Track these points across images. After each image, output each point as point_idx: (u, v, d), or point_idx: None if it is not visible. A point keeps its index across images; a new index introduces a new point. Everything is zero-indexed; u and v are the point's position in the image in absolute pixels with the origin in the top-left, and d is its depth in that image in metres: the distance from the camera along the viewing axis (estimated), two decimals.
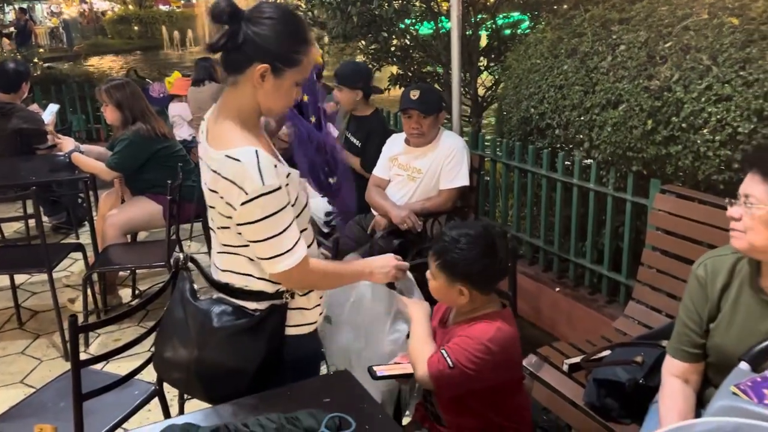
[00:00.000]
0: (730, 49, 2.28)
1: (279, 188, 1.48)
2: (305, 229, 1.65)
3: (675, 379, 1.64)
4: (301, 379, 1.60)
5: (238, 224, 1.52)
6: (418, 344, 1.73)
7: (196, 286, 1.71)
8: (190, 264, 1.76)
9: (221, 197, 1.52)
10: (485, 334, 1.65)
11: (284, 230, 1.51)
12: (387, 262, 1.79)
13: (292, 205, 1.55)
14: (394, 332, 2.03)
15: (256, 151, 1.48)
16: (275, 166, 1.50)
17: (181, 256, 1.76)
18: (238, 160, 1.47)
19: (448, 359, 1.63)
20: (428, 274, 1.76)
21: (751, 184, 1.43)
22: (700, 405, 1.61)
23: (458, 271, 1.68)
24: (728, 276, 1.56)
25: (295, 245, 1.53)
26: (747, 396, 1.13)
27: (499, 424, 1.74)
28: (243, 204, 1.46)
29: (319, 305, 1.72)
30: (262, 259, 1.55)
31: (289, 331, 1.65)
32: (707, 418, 0.92)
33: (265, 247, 1.52)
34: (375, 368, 1.74)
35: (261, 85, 1.50)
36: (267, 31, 1.47)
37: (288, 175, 1.56)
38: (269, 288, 1.61)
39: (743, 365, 1.24)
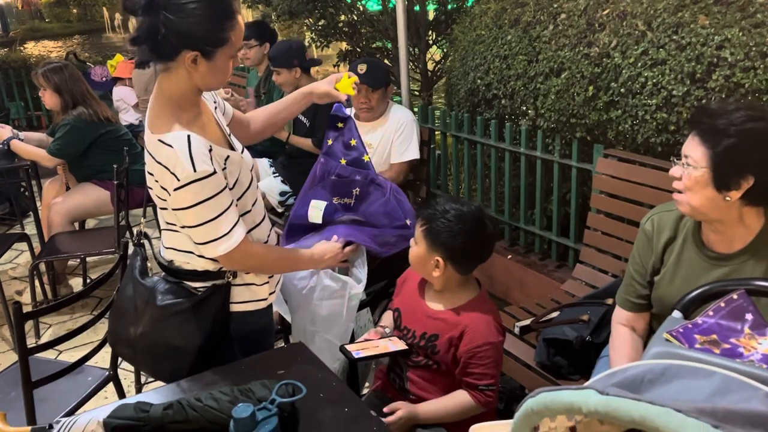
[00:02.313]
0: (663, 14, 2.35)
1: (213, 173, 1.47)
2: (248, 211, 1.64)
3: (623, 327, 1.72)
4: (251, 354, 1.61)
5: (173, 209, 1.52)
6: (448, 412, 1.66)
7: (149, 264, 1.71)
8: (144, 241, 1.76)
9: (156, 180, 1.52)
10: (492, 334, 1.64)
11: (220, 215, 1.50)
12: (330, 248, 1.81)
13: (231, 188, 1.54)
14: (347, 321, 2.04)
15: (189, 136, 1.46)
16: (210, 149, 1.49)
17: (135, 230, 1.76)
18: (170, 146, 1.46)
19: (488, 390, 1.63)
20: (411, 240, 1.73)
21: (690, 146, 1.48)
22: None
23: (440, 241, 1.64)
24: (673, 231, 1.63)
25: (232, 229, 1.53)
26: (679, 342, 1.19)
27: None
28: (176, 190, 1.46)
29: (268, 282, 1.72)
30: (198, 243, 1.55)
31: (237, 308, 1.66)
32: (639, 362, 0.97)
33: (200, 231, 1.51)
34: (348, 347, 1.68)
35: (195, 69, 1.48)
36: (188, 17, 1.41)
37: (227, 158, 1.55)
38: (211, 266, 1.62)
39: (676, 313, 1.30)
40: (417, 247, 1.70)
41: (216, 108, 1.70)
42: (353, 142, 2.24)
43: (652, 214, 1.68)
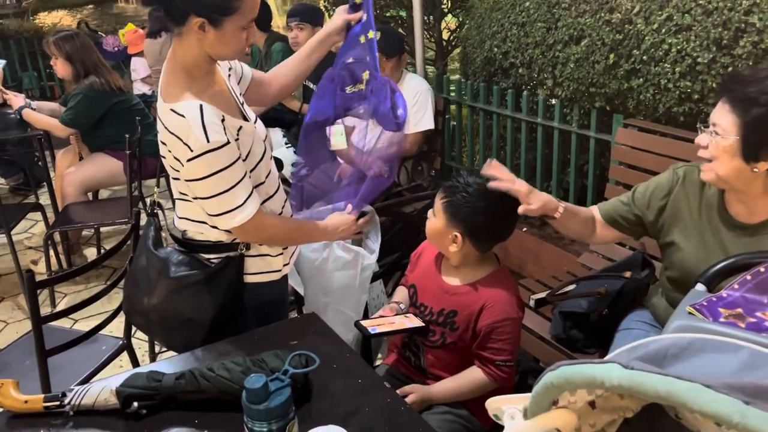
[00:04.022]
0: None
1: (226, 144, 1.44)
2: (262, 183, 1.61)
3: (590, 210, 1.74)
4: (265, 325, 1.60)
5: (186, 180, 1.50)
6: (462, 391, 1.63)
7: (163, 234, 1.70)
8: (158, 211, 1.75)
9: (169, 150, 1.49)
10: (513, 310, 1.60)
11: (233, 186, 1.47)
12: (344, 220, 1.78)
13: (244, 160, 1.51)
14: (360, 292, 2.02)
15: (201, 105, 1.43)
16: (222, 119, 1.46)
17: (149, 200, 1.74)
18: (182, 116, 1.43)
19: (504, 366, 1.59)
20: (430, 212, 1.67)
21: (719, 113, 1.42)
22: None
23: (460, 217, 1.57)
24: (697, 195, 1.57)
25: (246, 200, 1.50)
26: (702, 315, 1.16)
27: None
28: (189, 161, 1.44)
29: (282, 254, 1.70)
30: (212, 215, 1.53)
31: (251, 279, 1.64)
32: (662, 336, 0.94)
33: (213, 203, 1.49)
34: (364, 323, 1.64)
35: (203, 36, 1.43)
36: None
37: (239, 129, 1.51)
38: (224, 237, 1.60)
39: (699, 286, 1.26)
40: (435, 220, 1.64)
41: (230, 76, 1.66)
42: (366, 76, 2.04)
43: (690, 167, 1.61)
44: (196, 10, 1.40)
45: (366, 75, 1.91)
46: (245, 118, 1.60)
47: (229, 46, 1.48)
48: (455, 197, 1.59)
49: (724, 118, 1.40)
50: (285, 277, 1.76)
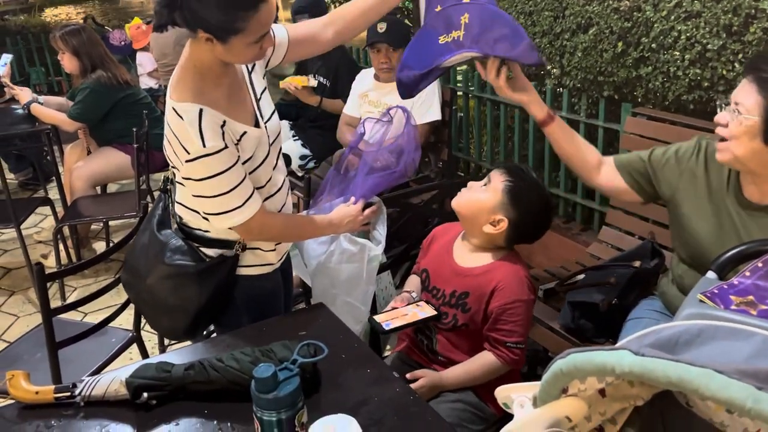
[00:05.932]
0: None
1: (224, 148, 1.43)
2: (261, 187, 1.59)
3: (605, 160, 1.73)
4: (257, 319, 1.59)
5: (184, 178, 1.50)
6: (473, 375, 1.63)
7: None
8: (170, 187, 1.74)
9: (170, 146, 1.49)
10: (524, 291, 1.61)
11: (233, 189, 1.47)
12: (349, 212, 1.78)
13: (244, 163, 1.50)
14: (368, 284, 2.01)
15: (201, 109, 1.42)
16: (223, 124, 1.44)
17: (163, 176, 1.74)
18: (180, 117, 1.42)
19: (515, 348, 1.59)
20: (476, 183, 1.66)
21: (743, 92, 1.39)
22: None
23: (520, 205, 1.59)
24: (716, 173, 1.55)
25: (246, 201, 1.49)
26: (713, 303, 1.15)
27: None
28: (187, 162, 1.44)
29: (275, 250, 1.68)
30: (209, 214, 1.52)
31: (243, 271, 1.64)
32: (673, 323, 0.93)
33: (213, 203, 1.49)
34: (377, 319, 1.64)
35: (212, 47, 1.41)
36: (199, 0, 1.33)
37: (243, 134, 1.49)
38: (213, 230, 1.60)
39: (710, 274, 1.25)
40: (487, 195, 1.62)
41: (253, 68, 1.61)
42: None
43: (712, 143, 1.58)
44: (201, 26, 1.37)
45: (465, 18, 1.67)
46: (257, 120, 1.57)
47: (241, 57, 1.46)
48: (524, 189, 1.60)
49: (748, 98, 1.37)
50: (278, 270, 1.74)
